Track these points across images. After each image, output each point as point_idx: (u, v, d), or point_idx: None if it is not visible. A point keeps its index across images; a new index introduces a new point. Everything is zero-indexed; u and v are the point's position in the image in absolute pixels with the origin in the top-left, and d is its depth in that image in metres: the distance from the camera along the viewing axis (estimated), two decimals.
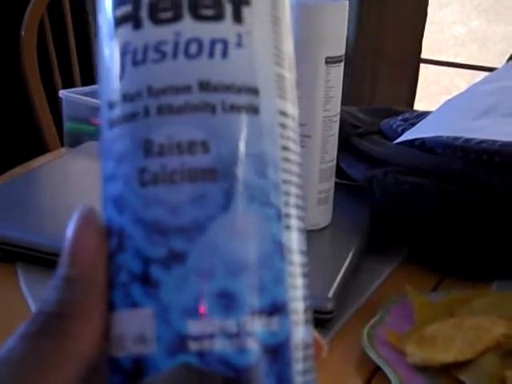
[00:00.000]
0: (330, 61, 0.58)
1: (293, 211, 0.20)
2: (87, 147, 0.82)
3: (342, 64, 0.59)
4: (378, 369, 0.47)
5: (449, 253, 0.60)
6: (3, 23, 1.71)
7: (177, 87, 0.19)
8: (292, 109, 0.21)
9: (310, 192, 0.61)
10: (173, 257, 0.18)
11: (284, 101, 0.20)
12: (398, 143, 0.67)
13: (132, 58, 0.19)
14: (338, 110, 0.61)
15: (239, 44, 0.19)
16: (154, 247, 0.18)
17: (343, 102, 0.62)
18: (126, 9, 0.19)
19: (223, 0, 0.19)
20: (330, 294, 0.51)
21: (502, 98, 0.65)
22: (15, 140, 1.81)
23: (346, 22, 0.58)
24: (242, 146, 0.19)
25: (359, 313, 0.54)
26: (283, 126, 0.20)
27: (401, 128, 0.72)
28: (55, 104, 1.31)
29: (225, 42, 0.19)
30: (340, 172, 0.69)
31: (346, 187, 0.70)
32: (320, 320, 0.50)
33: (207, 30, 0.19)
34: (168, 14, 0.19)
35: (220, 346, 0.18)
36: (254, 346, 0.18)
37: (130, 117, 0.19)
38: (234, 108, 0.19)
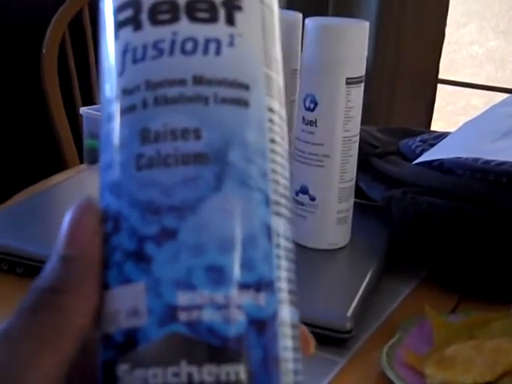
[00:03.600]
0: (351, 81, 0.58)
1: (281, 200, 0.21)
2: None
3: (363, 85, 0.60)
4: None
5: (467, 274, 0.60)
6: (25, 39, 1.74)
7: (172, 80, 0.20)
8: (279, 107, 0.22)
9: (329, 211, 0.61)
10: (165, 233, 0.19)
11: (271, 98, 0.22)
12: (416, 164, 0.68)
13: (132, 56, 0.21)
14: (358, 130, 0.61)
15: (231, 44, 0.21)
16: (148, 225, 0.20)
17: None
18: (128, 13, 0.21)
19: (217, 5, 0.21)
20: (349, 314, 0.51)
21: None
22: (35, 157, 1.83)
23: (367, 43, 0.59)
24: (232, 134, 0.20)
25: (378, 333, 0.54)
26: (271, 120, 0.21)
27: (419, 149, 0.72)
28: (75, 121, 1.33)
29: (218, 42, 0.21)
30: (359, 192, 0.70)
31: (364, 207, 0.71)
32: (339, 339, 0.50)
33: (202, 31, 0.21)
34: (166, 16, 0.21)
35: (208, 316, 0.19)
36: (241, 318, 0.19)
37: (129, 109, 0.21)
38: (226, 100, 0.20)
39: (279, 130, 0.22)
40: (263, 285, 0.20)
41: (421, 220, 0.60)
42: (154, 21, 0.21)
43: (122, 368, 0.19)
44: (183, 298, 0.19)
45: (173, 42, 0.21)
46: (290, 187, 0.22)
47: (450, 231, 0.59)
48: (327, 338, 0.51)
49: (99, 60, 0.23)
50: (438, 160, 0.66)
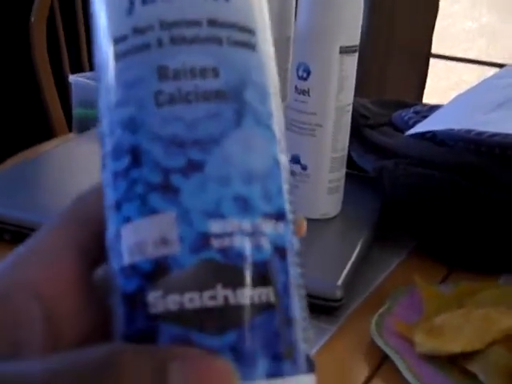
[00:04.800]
0: (345, 50, 0.58)
1: (282, 142, 0.22)
2: (96, 133, 0.82)
3: (357, 54, 0.59)
4: (385, 357, 0.47)
5: (457, 245, 0.60)
6: (13, 7, 1.71)
7: (188, 21, 0.21)
8: (274, 57, 0.24)
9: (320, 181, 0.61)
10: (191, 166, 0.20)
11: (271, 46, 0.23)
12: (409, 135, 0.67)
13: None
14: (351, 100, 0.61)
15: None
16: (173, 158, 0.20)
17: None
18: None
19: None
20: (339, 282, 0.51)
21: None
22: (23, 126, 1.81)
23: (362, 11, 0.58)
24: (245, 75, 0.21)
25: (368, 302, 0.54)
26: (272, 67, 0.23)
27: (412, 120, 0.72)
28: (64, 89, 1.31)
29: None
30: (350, 162, 0.69)
31: (356, 178, 0.70)
32: (329, 308, 0.51)
33: None
34: None
35: (239, 243, 0.20)
36: (266, 245, 0.20)
37: (143, 47, 0.21)
38: (238, 43, 0.21)
39: (276, 77, 0.23)
40: (280, 215, 0.21)
41: (412, 191, 0.60)
42: None
43: (154, 295, 0.19)
44: (215, 226, 0.20)
45: None
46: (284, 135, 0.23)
47: (441, 202, 0.59)
48: (317, 306, 0.51)
49: (90, 25, 0.23)
50: (430, 131, 0.66)
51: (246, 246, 0.20)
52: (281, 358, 0.19)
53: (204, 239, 0.20)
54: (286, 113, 0.62)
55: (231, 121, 0.21)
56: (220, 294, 0.19)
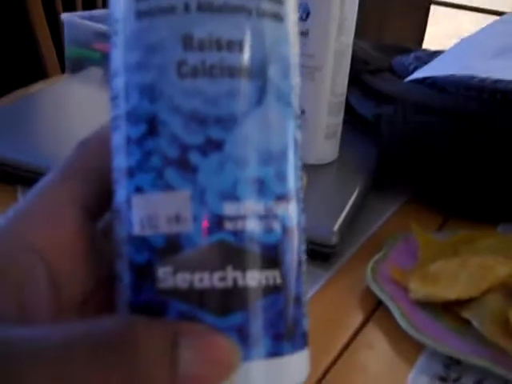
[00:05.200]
0: None
1: (299, 113, 0.22)
2: (89, 73, 0.80)
3: None
4: (380, 303, 0.47)
5: (455, 193, 0.59)
6: None
7: None
8: (297, 24, 0.23)
9: (318, 125, 0.59)
10: (211, 144, 0.20)
11: (295, 13, 0.22)
12: (409, 81, 0.66)
13: None
14: (351, 42, 0.59)
15: None
16: (193, 134, 0.20)
17: None
18: None
19: None
20: (335, 228, 0.50)
21: None
22: (15, 65, 1.77)
23: None
24: (270, 49, 0.20)
25: (363, 248, 0.54)
26: (296, 35, 0.22)
27: (412, 66, 0.71)
28: (56, 29, 1.28)
29: None
30: (348, 108, 0.68)
31: (353, 124, 0.69)
32: (324, 254, 0.50)
33: None
34: None
35: (252, 226, 0.20)
36: (277, 227, 0.20)
37: (168, 10, 0.20)
38: (265, 14, 0.20)
39: (298, 44, 0.22)
40: (292, 195, 0.21)
41: (411, 137, 0.59)
42: None
43: (164, 270, 0.20)
44: (229, 209, 0.20)
45: None
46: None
47: (440, 149, 0.58)
48: (313, 252, 0.50)
49: None
50: (430, 78, 0.64)
51: (258, 229, 0.20)
52: (282, 338, 0.20)
53: (218, 220, 0.19)
54: None
55: (253, 99, 0.20)
56: (230, 276, 0.19)
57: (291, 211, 0.21)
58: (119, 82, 0.21)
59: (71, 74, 0.88)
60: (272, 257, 0.20)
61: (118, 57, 0.21)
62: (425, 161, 0.59)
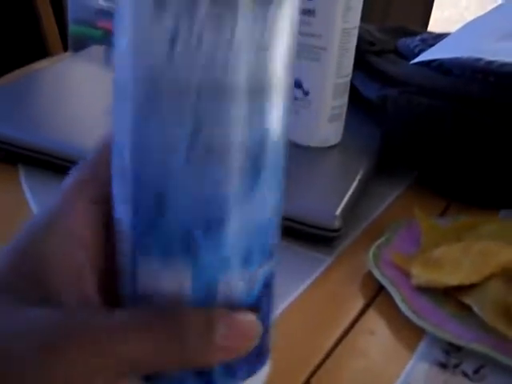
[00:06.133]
0: None
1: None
2: (92, 51, 0.80)
3: None
4: (381, 288, 0.46)
5: (458, 178, 0.59)
6: None
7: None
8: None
9: (322, 107, 0.59)
10: (213, 224, 0.23)
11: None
12: (414, 63, 0.65)
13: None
14: (357, 22, 0.58)
15: None
16: (199, 216, 0.23)
17: None
18: None
19: None
20: (338, 212, 0.50)
21: None
22: (17, 43, 1.76)
23: None
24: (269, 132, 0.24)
25: (366, 233, 0.54)
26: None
27: (418, 48, 0.70)
28: (59, 7, 1.27)
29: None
30: (352, 90, 0.67)
31: (358, 107, 0.68)
32: (326, 238, 0.50)
33: None
34: None
35: (240, 290, 0.24)
36: (259, 286, 0.25)
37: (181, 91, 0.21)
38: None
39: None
40: (271, 257, 0.25)
41: (416, 120, 0.59)
42: None
43: None
44: (222, 278, 0.24)
45: None
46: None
47: (445, 133, 0.57)
48: (315, 236, 0.50)
49: None
50: (436, 60, 0.63)
51: (243, 291, 0.24)
52: (256, 361, 0.25)
53: (212, 290, 0.23)
54: None
55: (252, 175, 0.23)
56: None
57: (269, 270, 0.25)
58: (123, 160, 0.23)
59: (74, 51, 0.87)
60: (253, 308, 0.25)
61: (124, 135, 0.23)
62: (429, 144, 0.58)
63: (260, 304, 0.25)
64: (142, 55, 0.22)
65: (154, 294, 0.23)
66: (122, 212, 0.23)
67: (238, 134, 0.22)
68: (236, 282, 0.24)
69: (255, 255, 0.24)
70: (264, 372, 0.26)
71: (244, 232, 0.23)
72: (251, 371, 0.25)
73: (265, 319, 0.25)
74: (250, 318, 0.24)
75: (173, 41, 0.21)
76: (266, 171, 0.23)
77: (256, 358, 0.25)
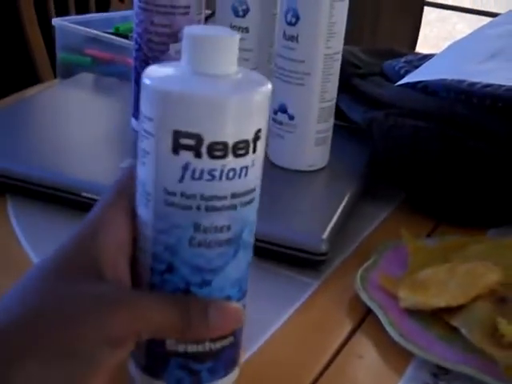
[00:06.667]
0: None
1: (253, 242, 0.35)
2: (80, 78, 0.80)
3: (347, 0, 0.57)
4: (369, 311, 0.46)
5: (446, 199, 0.59)
6: None
7: (220, 197, 0.31)
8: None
9: (308, 131, 0.59)
10: (204, 282, 0.33)
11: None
12: (399, 85, 0.66)
13: (191, 174, 0.31)
14: (341, 47, 0.59)
15: (253, 165, 0.32)
16: (194, 277, 0.33)
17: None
18: (191, 142, 0.30)
19: (250, 142, 0.31)
20: (325, 236, 0.50)
21: (510, 42, 0.63)
22: (7, 70, 1.77)
23: None
24: (247, 220, 0.34)
25: (353, 256, 0.54)
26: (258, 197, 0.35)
27: (403, 70, 0.70)
28: (49, 34, 1.27)
29: (246, 167, 0.32)
30: (339, 114, 0.68)
31: (344, 129, 0.69)
32: (313, 261, 0.50)
33: (239, 162, 0.31)
34: (219, 153, 0.31)
35: None
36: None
37: (187, 208, 0.32)
38: (245, 203, 0.33)
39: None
40: (245, 294, 0.35)
41: (401, 142, 0.59)
42: (211, 155, 0.30)
43: (170, 342, 0.34)
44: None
45: (221, 172, 0.31)
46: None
47: (431, 154, 0.58)
48: (302, 259, 0.50)
49: None
50: (422, 82, 0.64)
51: None
52: (230, 365, 0.35)
53: None
54: (273, 60, 0.60)
55: (231, 255, 0.33)
56: (207, 346, 0.34)
57: (244, 304, 0.35)
58: (147, 230, 0.33)
59: (62, 79, 0.88)
60: (232, 333, 0.34)
61: (149, 216, 0.32)
62: (415, 166, 0.59)
63: (236, 331, 0.35)
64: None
65: None
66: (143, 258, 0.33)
67: (223, 235, 0.32)
68: None
69: (234, 297, 0.34)
70: (235, 374, 0.36)
71: (227, 283, 0.33)
72: (227, 372, 0.35)
73: (238, 337, 0.35)
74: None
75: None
76: (244, 245, 0.33)
77: (231, 362, 0.35)
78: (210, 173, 0.31)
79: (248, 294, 0.35)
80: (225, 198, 0.31)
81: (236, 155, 0.31)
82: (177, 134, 0.30)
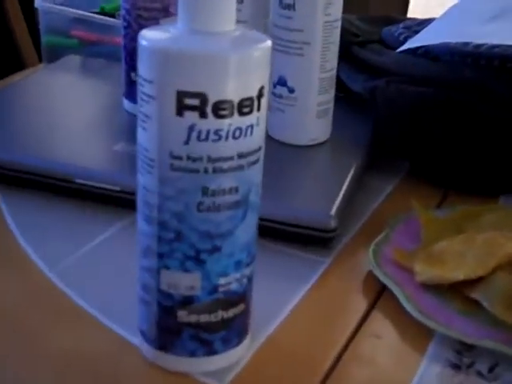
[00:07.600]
0: None
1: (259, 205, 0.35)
2: (67, 61, 0.77)
3: None
4: (384, 288, 0.44)
5: (453, 167, 0.57)
6: None
7: (226, 157, 0.31)
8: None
9: (308, 104, 0.57)
10: (214, 249, 0.32)
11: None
12: (400, 52, 0.63)
13: (197, 135, 0.30)
14: (340, 14, 0.56)
15: (258, 123, 0.32)
16: (203, 244, 0.32)
17: None
18: (195, 102, 0.29)
19: (254, 99, 0.31)
20: (333, 212, 0.48)
21: None
22: None
23: None
24: (253, 182, 0.33)
25: (363, 231, 0.52)
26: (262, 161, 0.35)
27: (403, 36, 0.68)
28: (33, 18, 1.24)
29: (252, 126, 0.31)
30: (339, 85, 0.65)
31: (345, 101, 0.66)
32: (323, 239, 0.48)
33: (245, 121, 0.31)
34: (224, 112, 0.30)
35: (233, 286, 0.34)
36: (246, 280, 0.35)
37: (194, 170, 0.31)
38: (252, 163, 0.32)
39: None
40: (253, 259, 0.35)
41: (406, 110, 0.57)
42: (217, 114, 0.30)
43: (182, 313, 0.34)
44: (222, 281, 0.34)
45: (228, 131, 0.30)
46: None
47: (438, 121, 0.55)
48: (311, 237, 0.48)
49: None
50: (423, 47, 0.61)
51: (236, 286, 0.34)
52: (242, 334, 0.36)
53: (215, 288, 0.34)
54: (269, 31, 0.58)
55: (240, 218, 0.32)
56: (219, 314, 0.34)
57: (253, 267, 0.35)
58: (152, 199, 0.32)
59: (48, 62, 0.85)
60: (242, 297, 0.35)
61: (154, 184, 0.31)
62: (421, 134, 0.56)
63: (247, 293, 0.35)
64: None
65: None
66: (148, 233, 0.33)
67: (232, 197, 0.32)
68: (231, 281, 0.34)
69: (244, 261, 0.34)
70: (247, 343, 0.37)
71: (237, 248, 0.33)
72: (240, 341, 0.36)
73: (249, 304, 0.36)
74: None
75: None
76: (252, 207, 0.33)
77: (243, 330, 0.36)
78: (217, 133, 0.30)
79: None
80: (231, 158, 0.31)
81: (241, 113, 0.30)
82: (180, 95, 0.29)
